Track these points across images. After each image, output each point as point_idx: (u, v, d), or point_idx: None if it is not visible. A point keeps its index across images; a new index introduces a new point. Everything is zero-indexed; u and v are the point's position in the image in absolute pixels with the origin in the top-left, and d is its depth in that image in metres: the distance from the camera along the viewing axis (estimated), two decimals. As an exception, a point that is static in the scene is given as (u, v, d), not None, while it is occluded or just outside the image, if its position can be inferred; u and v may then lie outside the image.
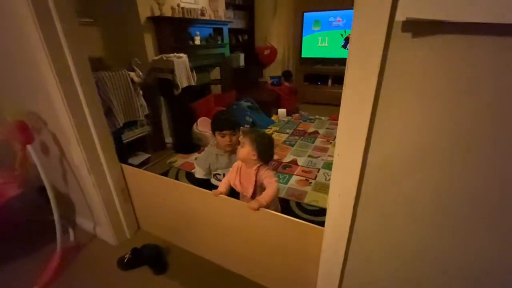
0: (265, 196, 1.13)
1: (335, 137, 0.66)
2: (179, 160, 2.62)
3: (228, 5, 3.85)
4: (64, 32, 1.11)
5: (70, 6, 1.13)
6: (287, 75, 4.26)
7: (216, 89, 3.83)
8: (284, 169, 2.36)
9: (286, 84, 4.22)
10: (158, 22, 2.56)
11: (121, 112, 1.85)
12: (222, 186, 1.30)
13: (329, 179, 0.77)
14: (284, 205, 1.81)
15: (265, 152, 1.24)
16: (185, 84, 2.53)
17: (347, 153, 0.67)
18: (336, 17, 4.18)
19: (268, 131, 3.28)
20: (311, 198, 1.95)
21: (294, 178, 2.21)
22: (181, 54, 2.49)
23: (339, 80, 4.35)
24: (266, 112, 3.72)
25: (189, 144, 2.84)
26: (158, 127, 2.84)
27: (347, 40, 4.23)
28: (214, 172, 1.53)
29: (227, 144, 1.48)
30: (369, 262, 0.85)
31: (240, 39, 4.60)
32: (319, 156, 2.58)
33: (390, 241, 0.76)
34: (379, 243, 0.78)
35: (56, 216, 1.36)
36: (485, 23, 0.48)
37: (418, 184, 0.66)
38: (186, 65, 2.53)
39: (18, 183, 1.30)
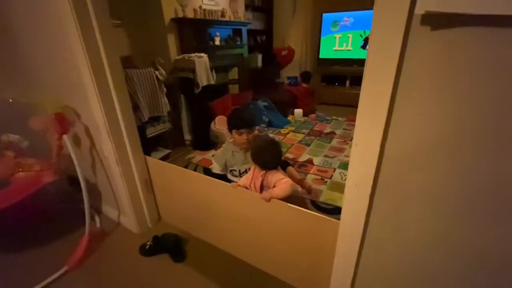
0: (277, 190, 1.16)
1: (352, 138, 0.68)
2: (197, 156, 2.71)
3: (247, 7, 3.92)
4: (100, 32, 1.21)
5: (106, 8, 1.22)
6: (305, 76, 4.27)
7: (234, 88, 3.91)
8: (299, 168, 2.38)
9: (304, 85, 4.23)
10: (181, 23, 2.67)
11: (146, 108, 1.95)
12: (241, 182, 1.34)
13: (345, 179, 0.79)
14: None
15: (266, 162, 1.25)
16: (205, 83, 2.61)
17: (364, 144, 0.69)
18: (349, 17, 4.16)
19: (284, 131, 3.31)
20: (327, 197, 1.95)
21: (310, 177, 2.23)
22: (202, 54, 2.58)
23: (357, 81, 4.30)
24: (282, 112, 3.75)
25: (206, 141, 2.92)
26: (178, 124, 2.95)
27: (366, 40, 4.18)
28: (230, 168, 1.59)
29: (244, 141, 1.52)
30: (383, 254, 0.86)
31: (258, 40, 4.66)
32: (335, 156, 2.58)
33: (405, 233, 0.77)
34: (393, 234, 0.79)
35: (86, 204, 1.47)
36: (508, 15, 0.48)
37: (434, 176, 0.67)
38: (206, 65, 2.61)
39: (54, 170, 1.42)
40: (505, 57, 0.53)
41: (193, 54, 2.52)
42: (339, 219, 0.91)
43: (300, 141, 2.99)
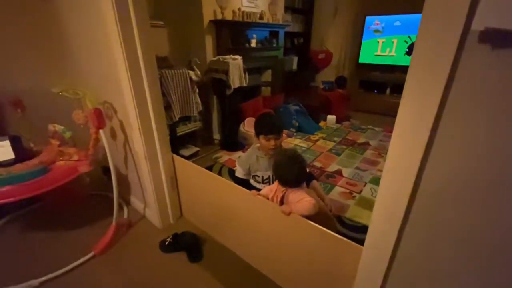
0: (299, 206, 1.09)
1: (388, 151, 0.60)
2: (224, 156, 2.73)
3: (287, 9, 3.87)
4: (138, 33, 1.26)
5: (145, 10, 1.27)
6: (340, 81, 4.09)
7: (266, 91, 3.89)
8: (327, 179, 2.27)
9: (339, 90, 4.05)
10: (219, 25, 2.71)
11: (178, 108, 2.02)
12: (264, 192, 1.30)
13: (376, 196, 0.71)
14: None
15: (285, 180, 1.17)
16: (237, 85, 2.62)
17: (398, 170, 0.61)
18: (395, 21, 3.86)
19: (313, 137, 3.20)
20: (353, 213, 1.83)
21: (337, 189, 2.11)
22: (237, 56, 2.60)
23: (398, 89, 4.00)
24: (314, 118, 3.64)
25: (235, 142, 2.94)
26: (208, 124, 3.01)
27: (411, 47, 3.86)
28: (253, 174, 1.55)
29: (272, 148, 1.47)
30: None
31: (295, 42, 4.58)
32: (367, 169, 2.42)
33: (435, 273, 0.67)
34: (423, 273, 0.69)
35: (115, 194, 1.55)
36: None
37: (473, 218, 0.57)
38: (240, 67, 2.62)
39: (90, 161, 1.52)
40: None
41: (227, 56, 2.55)
42: (365, 238, 0.82)
43: (330, 150, 2.86)
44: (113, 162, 1.53)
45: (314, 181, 1.64)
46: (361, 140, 3.13)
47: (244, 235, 1.44)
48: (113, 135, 1.75)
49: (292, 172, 1.14)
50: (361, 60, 4.38)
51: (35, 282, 1.30)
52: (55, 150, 1.56)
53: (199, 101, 2.44)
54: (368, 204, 1.90)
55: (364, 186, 2.15)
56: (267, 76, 3.83)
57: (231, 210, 1.44)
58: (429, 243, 0.65)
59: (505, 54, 0.46)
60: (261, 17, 3.23)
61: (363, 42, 4.27)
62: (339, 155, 2.73)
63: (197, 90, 2.36)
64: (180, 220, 1.82)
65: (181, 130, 2.49)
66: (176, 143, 2.36)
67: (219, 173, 2.41)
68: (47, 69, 1.78)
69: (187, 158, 2.58)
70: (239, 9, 2.92)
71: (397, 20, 3.89)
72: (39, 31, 1.72)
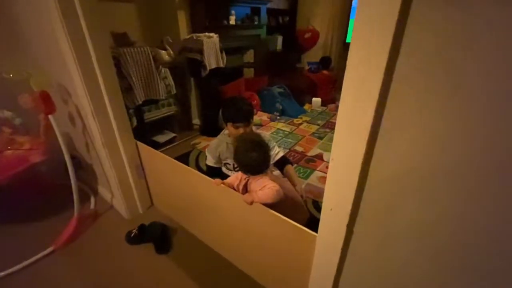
0: (261, 195, 1.01)
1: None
2: (203, 142, 2.62)
3: (269, -17, 3.62)
4: (81, 5, 1.10)
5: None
6: (325, 62, 3.95)
7: (249, 72, 3.72)
8: (307, 163, 2.20)
9: (324, 72, 3.92)
10: (192, 0, 2.50)
11: (141, 90, 1.85)
12: (229, 180, 1.21)
13: None
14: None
15: (247, 167, 1.08)
16: (213, 66, 2.47)
17: (343, 158, 0.52)
18: None
19: (297, 121, 3.10)
20: (331, 198, 1.78)
21: (316, 174, 2.05)
22: (212, 34, 2.42)
23: (386, 70, 3.89)
24: (299, 100, 3.52)
25: (215, 127, 2.81)
26: (186, 108, 2.86)
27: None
28: (224, 161, 1.46)
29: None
30: (364, 282, 0.70)
31: (280, 21, 4.35)
32: (348, 153, 2.36)
33: (388, 267, 0.61)
34: (376, 266, 0.63)
35: (73, 184, 1.43)
36: None
37: (426, 208, 0.49)
38: (216, 46, 2.45)
39: (43, 150, 1.39)
40: None
41: (202, 34, 2.36)
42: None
43: (313, 133, 2.78)
44: (73, 150, 1.40)
45: (289, 166, 1.56)
46: (337, 118, 3.06)
47: (213, 225, 1.37)
48: (72, 120, 1.61)
49: (252, 159, 1.04)
50: (348, 40, 4.22)
51: (-15, 281, 1.21)
52: (4, 139, 1.42)
53: (172, 83, 2.28)
54: (346, 189, 1.85)
55: (344, 170, 2.09)
56: (250, 56, 3.65)
57: (198, 199, 1.35)
58: (382, 235, 0.58)
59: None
60: (240, -8, 3.01)
61: (350, 20, 4.09)
62: (321, 138, 2.66)
63: (165, 71, 2.18)
64: (151, 210, 1.74)
65: (154, 115, 2.34)
66: (145, 129, 2.22)
67: (196, 160, 2.31)
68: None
69: (162, 144, 2.46)
70: (215, -18, 2.69)
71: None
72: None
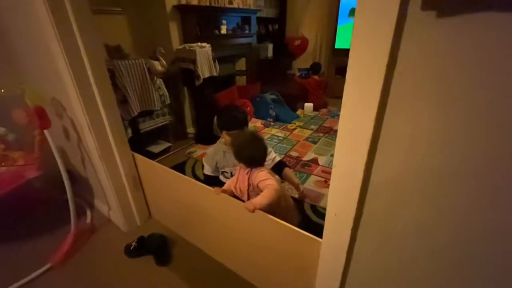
0: (260, 198, 1.04)
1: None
2: (198, 150, 2.62)
3: (258, -7, 3.71)
4: (76, 20, 1.11)
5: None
6: (315, 68, 4.03)
7: (242, 80, 3.76)
8: (302, 168, 2.23)
9: (315, 77, 3.99)
10: (184, 11, 2.53)
11: (136, 102, 1.86)
12: (226, 185, 1.23)
13: None
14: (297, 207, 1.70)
15: (251, 158, 1.14)
16: (207, 75, 2.49)
17: (345, 164, 0.54)
18: None
19: (291, 126, 3.14)
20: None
21: (313, 178, 2.08)
22: (204, 44, 2.45)
23: (374, 74, 4.00)
24: (292, 106, 3.57)
25: (209, 135, 2.82)
26: (180, 117, 2.86)
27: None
28: (222, 170, 1.47)
29: None
30: (369, 284, 0.72)
31: (270, 29, 4.43)
32: (343, 156, 2.40)
33: (392, 269, 0.63)
34: (381, 268, 0.65)
35: (70, 198, 1.41)
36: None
37: (428, 212, 0.52)
38: (208, 55, 2.48)
39: (37, 165, 1.37)
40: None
41: (194, 44, 2.39)
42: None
43: (307, 138, 2.82)
44: (69, 165, 1.39)
45: (287, 169, 1.60)
46: (338, 126, 3.11)
47: (213, 234, 1.37)
48: (66, 134, 1.60)
49: (255, 149, 1.13)
50: (337, 46, 4.33)
51: (-20, 302, 1.18)
52: (-3, 155, 1.39)
53: (166, 93, 2.29)
54: (343, 192, 1.88)
55: (340, 173, 2.12)
56: (242, 64, 3.70)
57: (197, 209, 1.35)
58: (384, 238, 0.60)
59: (454, 23, 0.39)
60: (230, 2, 3.07)
61: (338, 26, 4.20)
62: (315, 143, 2.70)
63: (159, 81, 2.19)
64: (149, 222, 1.72)
65: (148, 125, 2.34)
66: (141, 140, 2.21)
67: (193, 169, 2.31)
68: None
69: (157, 155, 2.45)
70: (205, -7, 2.74)
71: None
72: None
